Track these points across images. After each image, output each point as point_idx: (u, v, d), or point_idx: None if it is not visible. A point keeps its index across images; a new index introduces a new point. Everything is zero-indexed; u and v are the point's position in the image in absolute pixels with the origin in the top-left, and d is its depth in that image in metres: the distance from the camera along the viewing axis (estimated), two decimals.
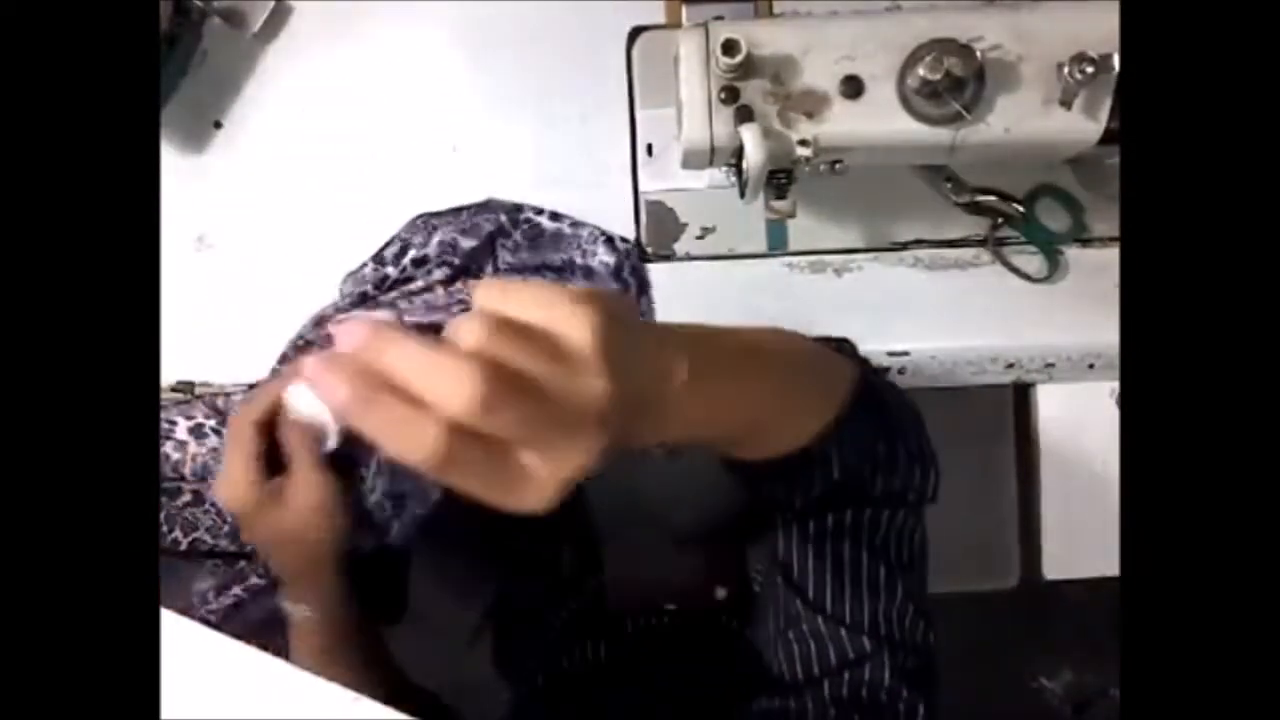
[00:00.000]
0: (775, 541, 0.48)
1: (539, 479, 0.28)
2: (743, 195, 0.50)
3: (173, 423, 0.59)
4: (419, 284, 0.59)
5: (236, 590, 0.59)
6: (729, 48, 0.45)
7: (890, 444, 0.46)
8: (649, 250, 0.61)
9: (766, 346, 0.42)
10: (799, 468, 0.43)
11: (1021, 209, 0.60)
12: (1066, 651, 1.37)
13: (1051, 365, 0.62)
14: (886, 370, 0.61)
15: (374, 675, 0.57)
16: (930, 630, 0.46)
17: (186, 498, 0.59)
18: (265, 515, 0.51)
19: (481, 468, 0.27)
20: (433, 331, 0.45)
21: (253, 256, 0.62)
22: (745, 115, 0.47)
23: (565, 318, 0.28)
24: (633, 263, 0.60)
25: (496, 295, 0.29)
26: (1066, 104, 0.46)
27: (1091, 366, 0.61)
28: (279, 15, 0.61)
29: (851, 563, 0.45)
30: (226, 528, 0.59)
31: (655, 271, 0.61)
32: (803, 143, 0.47)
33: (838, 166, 0.50)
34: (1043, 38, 0.46)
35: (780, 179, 0.51)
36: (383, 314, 0.56)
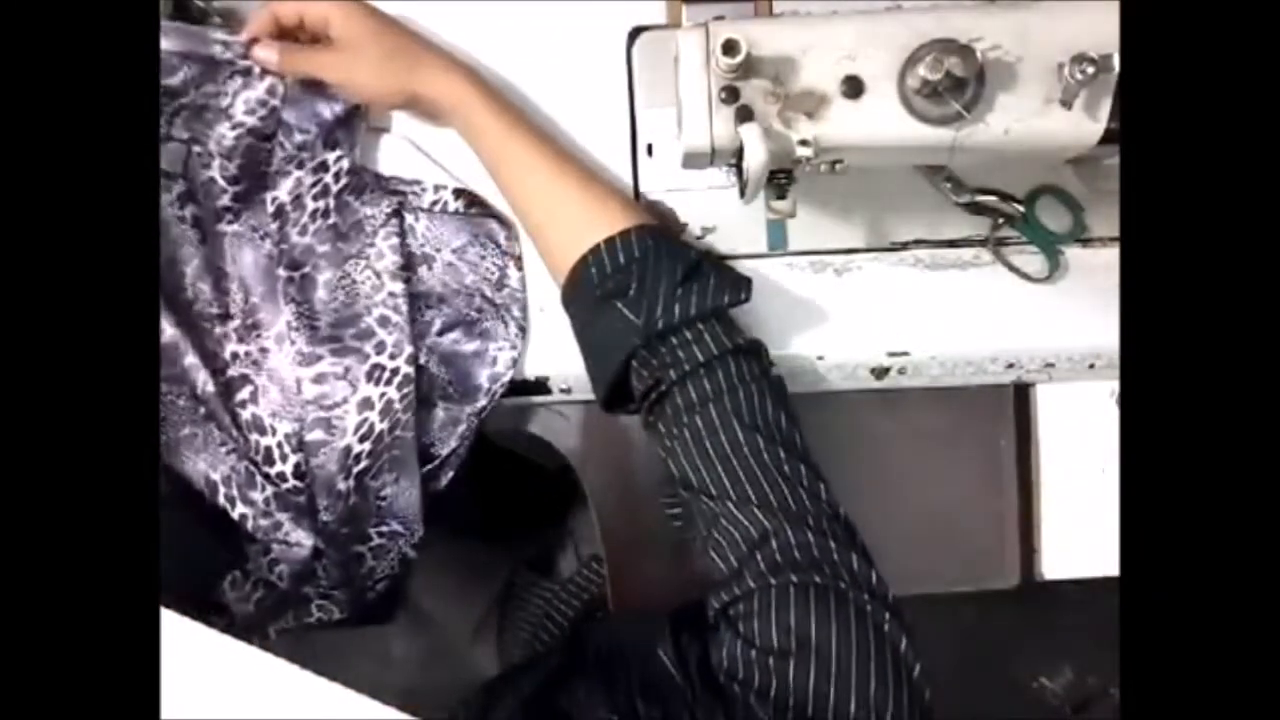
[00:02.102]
0: (669, 470, 0.51)
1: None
2: (743, 195, 0.50)
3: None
4: None
5: None
6: (729, 48, 0.45)
7: (678, 277, 0.51)
8: None
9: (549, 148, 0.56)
10: (590, 266, 0.52)
11: (1021, 209, 0.60)
12: (1066, 651, 1.37)
13: (1051, 365, 0.62)
14: (886, 370, 0.61)
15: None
16: (829, 488, 0.48)
17: None
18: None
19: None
20: None
21: None
22: (745, 115, 0.47)
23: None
24: None
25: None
26: (1066, 104, 0.46)
27: (1091, 366, 0.61)
28: None
29: (730, 444, 0.48)
30: None
31: None
32: (803, 143, 0.47)
33: (838, 166, 0.51)
34: (1043, 38, 0.46)
35: (780, 179, 0.51)
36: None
